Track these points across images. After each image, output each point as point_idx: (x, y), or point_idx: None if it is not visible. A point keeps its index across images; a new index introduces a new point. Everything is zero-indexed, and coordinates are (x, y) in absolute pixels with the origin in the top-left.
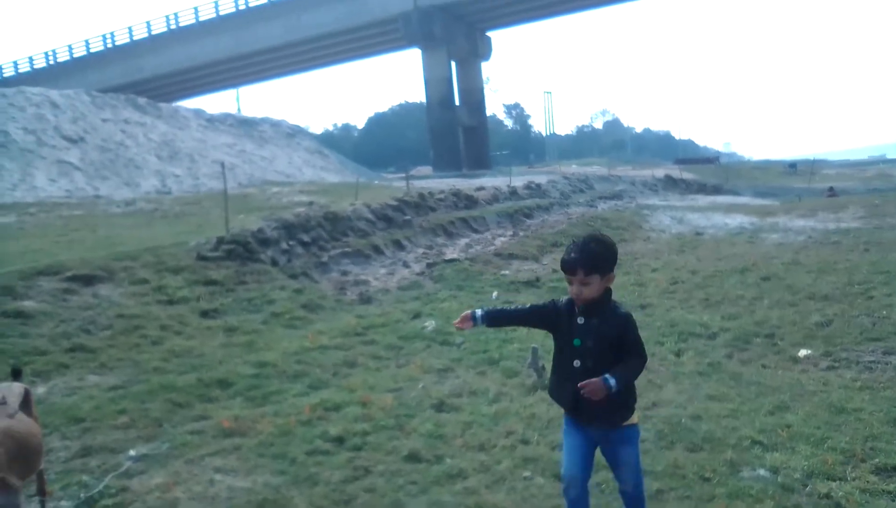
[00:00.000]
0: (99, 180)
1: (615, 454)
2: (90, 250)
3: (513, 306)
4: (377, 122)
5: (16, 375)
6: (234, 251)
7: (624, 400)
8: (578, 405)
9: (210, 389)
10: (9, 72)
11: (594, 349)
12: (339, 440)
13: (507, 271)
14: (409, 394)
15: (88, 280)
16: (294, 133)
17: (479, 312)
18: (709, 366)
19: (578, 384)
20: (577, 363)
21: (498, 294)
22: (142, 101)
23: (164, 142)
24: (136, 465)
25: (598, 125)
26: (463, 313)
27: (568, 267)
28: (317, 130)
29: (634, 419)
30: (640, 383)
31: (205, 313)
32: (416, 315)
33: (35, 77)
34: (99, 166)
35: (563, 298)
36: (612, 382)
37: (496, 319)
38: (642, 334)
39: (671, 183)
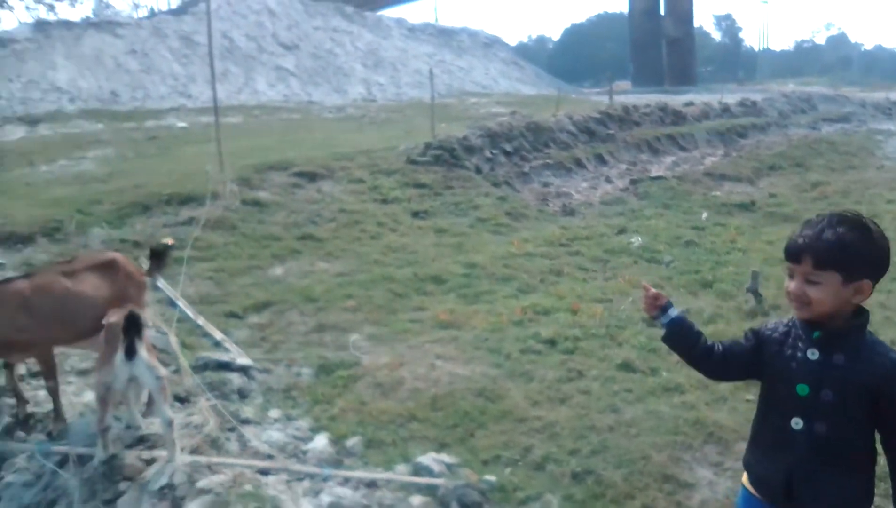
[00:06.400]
0: (312, 86)
1: None
2: (311, 150)
3: (709, 342)
4: (574, 33)
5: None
6: (440, 157)
7: (864, 490)
8: (793, 494)
9: (425, 283)
10: None
11: (834, 404)
12: (551, 343)
13: (717, 193)
14: (618, 306)
15: (312, 176)
16: (491, 43)
17: (674, 310)
18: None
19: None
20: (796, 423)
21: (708, 215)
22: (349, 9)
23: (370, 51)
24: (365, 344)
25: (820, 40)
26: (659, 297)
27: (790, 250)
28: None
29: None
30: None
31: (415, 214)
32: (622, 231)
33: None
34: (311, 73)
35: (774, 321)
36: None
37: (683, 335)
38: None
39: None
